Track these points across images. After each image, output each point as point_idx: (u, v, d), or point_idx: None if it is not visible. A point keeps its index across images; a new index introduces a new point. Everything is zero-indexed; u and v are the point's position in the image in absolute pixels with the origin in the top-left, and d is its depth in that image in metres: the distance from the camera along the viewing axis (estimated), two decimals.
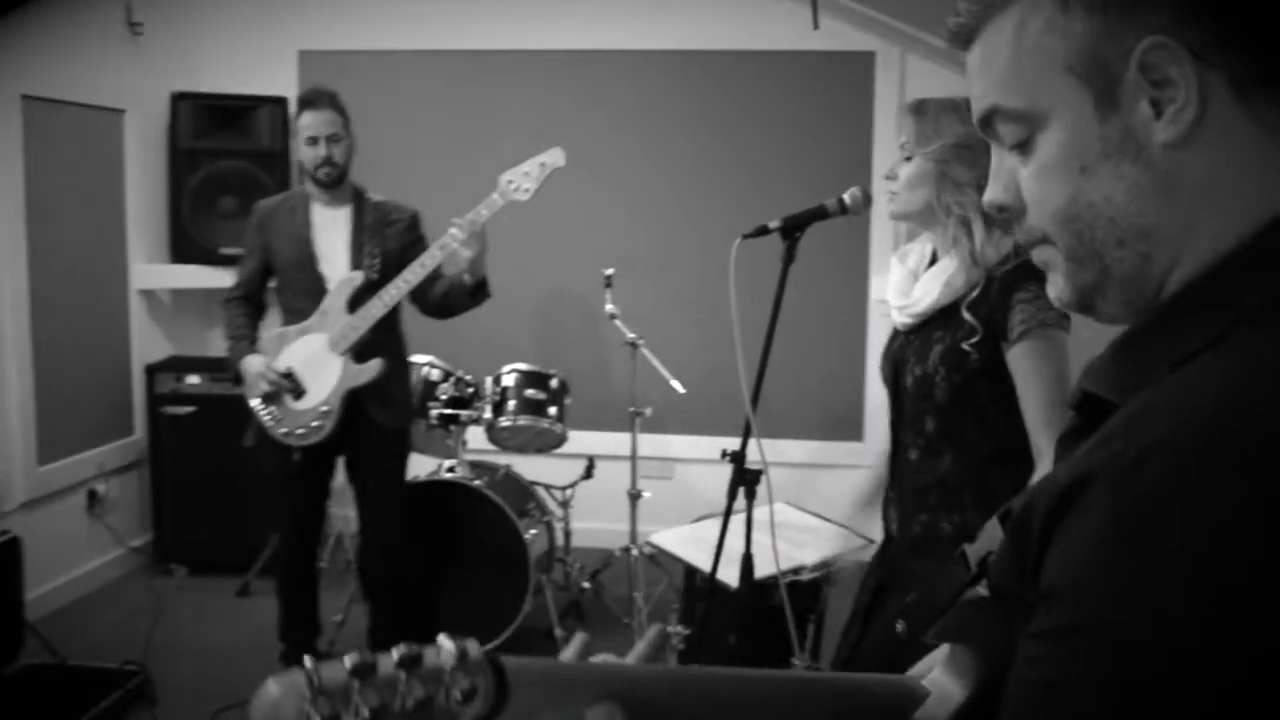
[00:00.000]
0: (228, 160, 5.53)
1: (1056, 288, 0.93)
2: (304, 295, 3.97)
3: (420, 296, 3.98)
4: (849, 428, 5.63)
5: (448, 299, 3.96)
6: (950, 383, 2.19)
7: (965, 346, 2.17)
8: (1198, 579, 0.68)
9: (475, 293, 3.91)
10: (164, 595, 5.03)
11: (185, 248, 5.56)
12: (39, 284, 4.80)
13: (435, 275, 3.90)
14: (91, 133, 5.25)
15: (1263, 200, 0.82)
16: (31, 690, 3.97)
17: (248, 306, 4.10)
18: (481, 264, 3.84)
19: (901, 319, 2.36)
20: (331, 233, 3.99)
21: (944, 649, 1.06)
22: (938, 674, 1.05)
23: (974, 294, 2.17)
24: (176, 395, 5.40)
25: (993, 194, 0.95)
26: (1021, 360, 2.09)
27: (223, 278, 5.55)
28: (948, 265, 2.23)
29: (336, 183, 3.96)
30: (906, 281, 2.36)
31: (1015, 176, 0.92)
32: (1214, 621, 0.68)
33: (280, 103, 5.60)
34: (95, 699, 3.84)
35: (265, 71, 5.84)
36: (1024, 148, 0.90)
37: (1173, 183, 0.84)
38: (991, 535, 0.99)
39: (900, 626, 1.11)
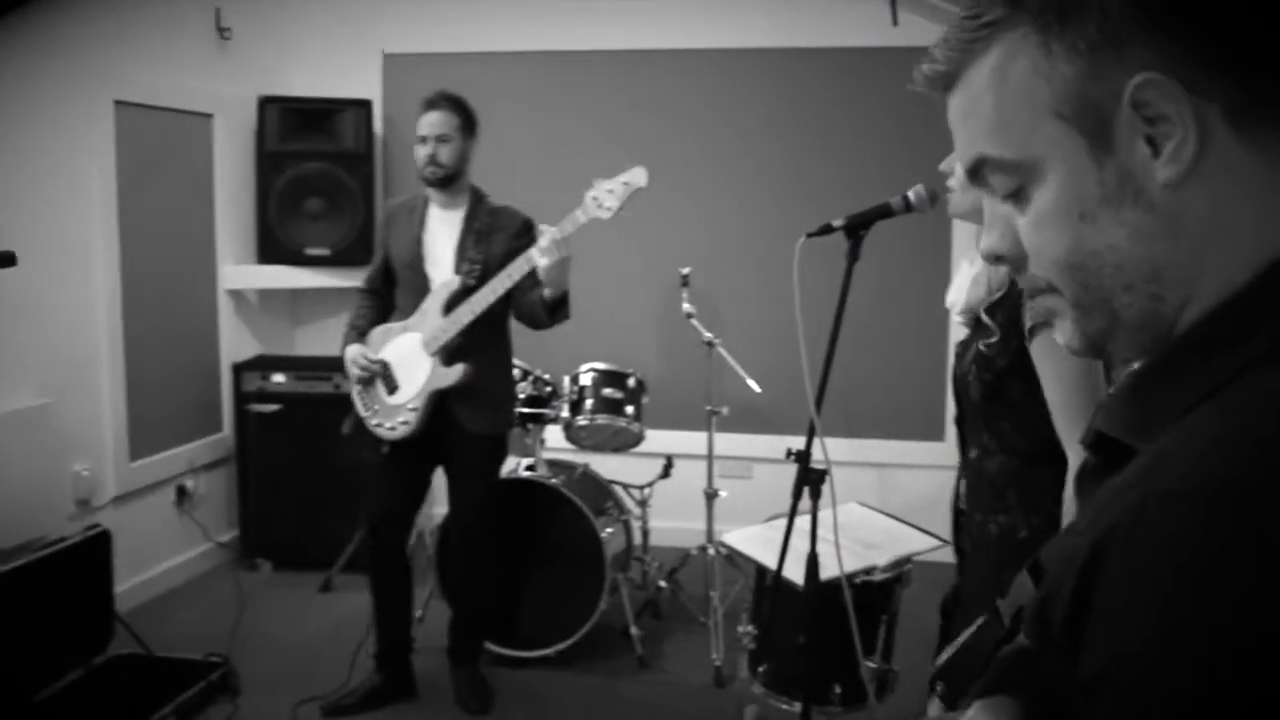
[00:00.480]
0: (313, 162, 5.62)
1: (1065, 335, 0.90)
2: (413, 294, 4.03)
3: (516, 303, 3.99)
4: (931, 428, 5.57)
5: (531, 311, 3.95)
6: (981, 382, 2.18)
7: (982, 347, 2.16)
8: (1211, 630, 0.66)
9: (554, 310, 3.89)
10: (249, 590, 5.13)
11: (272, 249, 5.67)
12: (131, 285, 4.93)
13: (532, 285, 3.90)
14: (181, 136, 5.37)
15: (1272, 231, 0.79)
16: (120, 679, 4.07)
17: (372, 300, 4.17)
18: (563, 278, 3.81)
19: (957, 319, 2.35)
20: (442, 235, 4.03)
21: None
22: (975, 713, 1.03)
23: (998, 296, 2.15)
24: (263, 394, 5.50)
25: (989, 243, 0.92)
26: (1038, 358, 2.06)
27: (308, 278, 5.69)
28: (981, 266, 2.21)
29: (443, 183, 3.99)
30: (985, 262, 2.35)
31: (1012, 224, 0.89)
32: (1242, 671, 0.65)
33: (365, 105, 5.70)
34: (180, 689, 3.94)
35: (350, 74, 5.94)
36: (1017, 197, 0.87)
37: (1177, 222, 0.80)
38: (1022, 589, 0.96)
39: (939, 687, 1.09)
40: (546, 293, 3.83)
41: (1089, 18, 0.79)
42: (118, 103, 4.83)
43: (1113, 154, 0.81)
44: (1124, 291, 0.83)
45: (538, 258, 3.75)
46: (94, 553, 4.10)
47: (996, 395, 2.18)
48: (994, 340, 2.15)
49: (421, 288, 4.01)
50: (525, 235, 4.04)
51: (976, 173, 0.89)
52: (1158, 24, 0.78)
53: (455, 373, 3.93)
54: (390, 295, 4.19)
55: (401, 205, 4.17)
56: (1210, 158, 0.78)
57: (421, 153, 3.96)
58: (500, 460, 4.22)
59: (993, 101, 0.85)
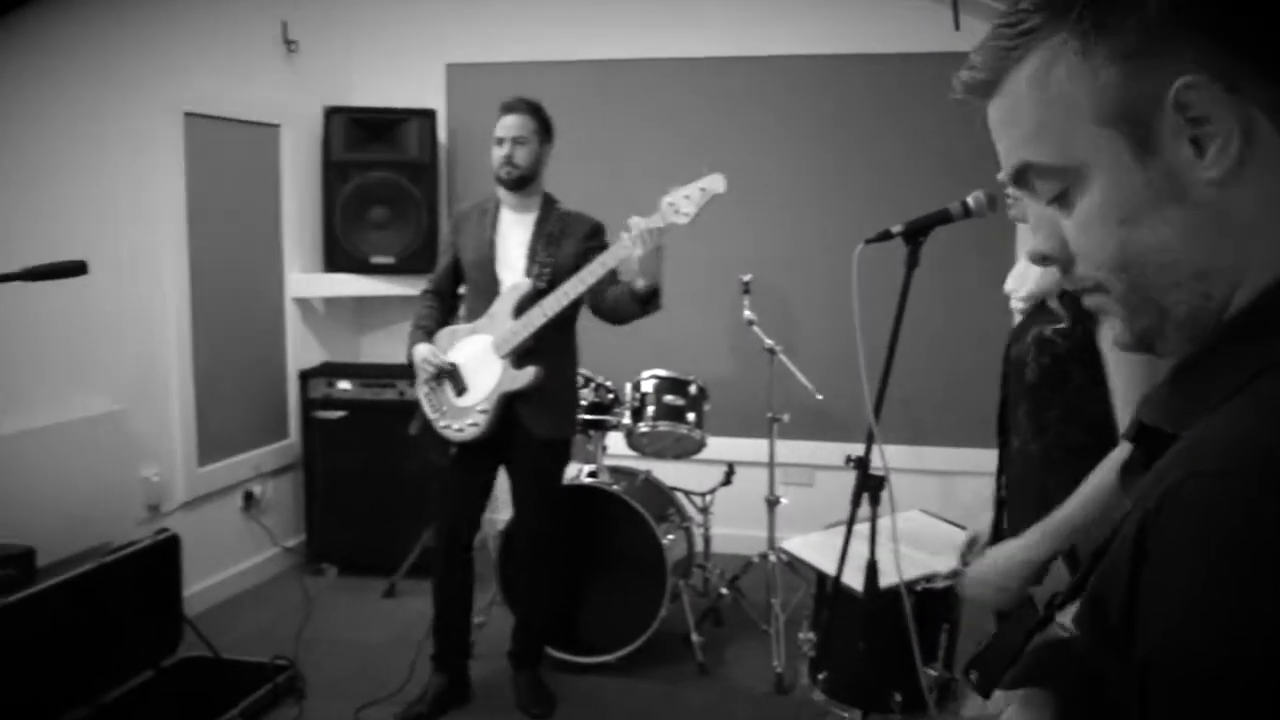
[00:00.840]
0: (378, 171, 5.69)
1: (1115, 331, 0.91)
2: (482, 296, 4.06)
3: (595, 301, 4.01)
4: (993, 435, 5.49)
5: (617, 305, 3.97)
6: (1039, 364, 2.17)
7: (1048, 332, 2.14)
8: (1248, 597, 0.68)
9: (646, 301, 3.88)
10: (315, 594, 5.20)
11: (337, 257, 5.74)
12: (199, 293, 5.01)
13: (612, 280, 3.92)
14: (249, 147, 5.46)
15: None
16: (188, 681, 4.14)
17: (437, 301, 4.19)
18: (656, 271, 3.82)
19: (1016, 305, 2.34)
20: (513, 238, 4.06)
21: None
22: (1013, 713, 1.03)
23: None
24: (329, 400, 5.57)
25: (1036, 246, 0.93)
26: (1105, 341, 2.04)
27: (373, 286, 5.75)
28: None
29: (518, 185, 4.01)
30: (1023, 270, 2.34)
31: (1058, 226, 0.90)
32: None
33: (429, 115, 5.75)
34: (247, 691, 4.00)
35: (414, 85, 6.00)
36: (1061, 200, 0.88)
37: (1223, 219, 0.81)
38: (1058, 576, 0.98)
39: (974, 676, 1.09)
40: (640, 284, 3.82)
41: (1128, 24, 0.81)
42: (187, 114, 4.92)
43: (1156, 155, 0.82)
44: (1172, 289, 0.84)
45: (632, 247, 3.74)
46: (163, 557, 4.17)
47: (1053, 380, 2.17)
48: (1062, 326, 2.13)
49: (491, 290, 4.03)
50: (595, 239, 4.08)
51: (1020, 178, 0.90)
52: (1198, 28, 0.79)
53: (527, 375, 3.95)
54: (454, 298, 4.23)
55: (473, 208, 4.19)
56: (1254, 156, 0.79)
57: (498, 154, 3.99)
58: (564, 465, 4.24)
59: (1032, 108, 0.86)
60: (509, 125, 3.99)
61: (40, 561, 3.75)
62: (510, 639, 4.29)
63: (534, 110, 4.03)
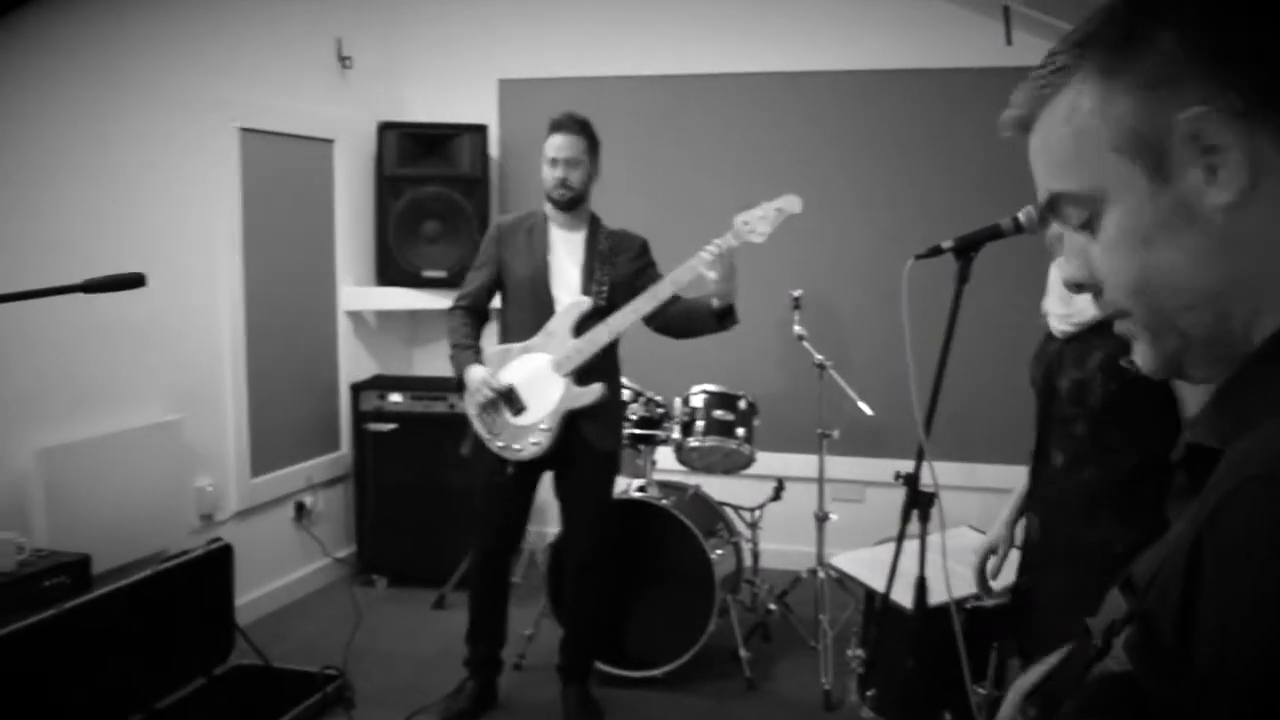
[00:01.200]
0: (430, 186, 5.75)
1: (1143, 357, 0.95)
2: (532, 313, 4.05)
3: (656, 317, 4.02)
4: None
5: (690, 321, 3.99)
6: (1106, 390, 2.16)
7: (1123, 361, 2.13)
8: None
9: (723, 317, 3.92)
10: (365, 604, 5.22)
11: (390, 271, 5.80)
12: (254, 305, 5.08)
13: (673, 300, 3.94)
14: (303, 162, 5.52)
15: None
16: (240, 689, 4.18)
17: (472, 317, 4.18)
18: (731, 289, 3.85)
19: (1062, 326, 2.32)
20: (566, 255, 4.07)
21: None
22: None
23: None
24: (380, 413, 5.61)
25: (1069, 272, 0.98)
26: None
27: (425, 300, 5.80)
28: None
29: (571, 205, 4.04)
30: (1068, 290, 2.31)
31: (1089, 253, 0.94)
32: None
33: (480, 130, 5.80)
34: (297, 700, 4.03)
35: (467, 100, 6.05)
36: (1089, 227, 0.93)
37: (1234, 242, 0.85)
38: (1114, 606, 0.98)
39: (1031, 713, 1.10)
40: (715, 303, 3.88)
41: (1145, 58, 0.86)
42: (243, 130, 4.99)
43: (1170, 182, 0.86)
44: (1186, 311, 0.89)
45: (706, 271, 3.78)
46: (216, 566, 4.21)
47: (1121, 404, 2.16)
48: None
49: (544, 307, 4.03)
50: (645, 256, 4.13)
51: (1052, 207, 0.95)
52: (1209, 62, 0.84)
53: (594, 392, 3.97)
54: (487, 311, 4.23)
55: (516, 223, 4.17)
56: (1264, 181, 0.83)
57: (551, 175, 4.00)
58: (615, 477, 4.25)
59: (1061, 139, 0.92)
60: (561, 146, 3.99)
61: (96, 569, 3.81)
62: (559, 652, 4.29)
63: (584, 128, 4.03)
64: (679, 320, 4.01)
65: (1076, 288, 0.98)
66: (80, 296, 2.41)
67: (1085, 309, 2.26)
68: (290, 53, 5.36)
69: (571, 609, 4.33)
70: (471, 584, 4.29)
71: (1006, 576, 2.92)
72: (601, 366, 4.01)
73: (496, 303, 4.20)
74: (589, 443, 4.03)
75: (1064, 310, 2.33)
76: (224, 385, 4.94)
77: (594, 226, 4.10)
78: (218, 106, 4.84)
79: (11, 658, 3.23)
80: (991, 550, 2.71)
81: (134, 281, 2.53)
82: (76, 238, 4.13)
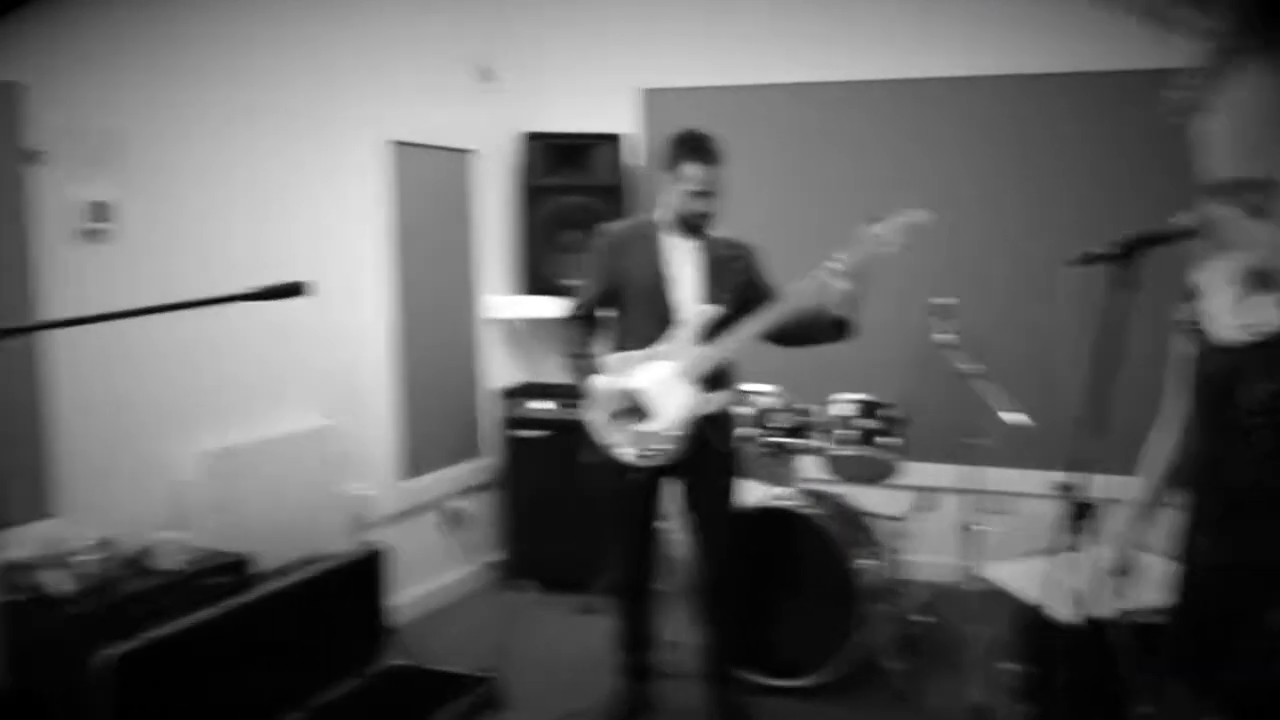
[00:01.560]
0: (571, 196, 5.84)
1: None
2: (651, 321, 4.04)
3: (781, 327, 4.00)
4: None
5: (807, 330, 3.97)
6: None
7: None
8: None
9: (843, 328, 3.92)
10: (515, 609, 5.30)
11: (533, 279, 5.88)
12: (403, 313, 5.21)
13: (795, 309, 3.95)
14: (448, 172, 5.66)
15: None
16: (392, 689, 4.25)
17: (588, 325, 4.21)
18: (857, 300, 3.84)
19: (1241, 335, 2.21)
20: (684, 264, 4.06)
21: None
22: None
23: None
24: (528, 419, 5.69)
25: (1251, 261, 0.93)
26: None
27: (567, 308, 5.85)
28: None
29: (700, 230, 4.07)
30: (1239, 296, 2.21)
31: (1261, 239, 0.89)
32: None
33: (615, 140, 5.88)
34: (449, 700, 4.10)
35: (607, 110, 6.10)
36: (1263, 211, 0.87)
37: None
38: None
39: None
40: (839, 313, 3.87)
41: None
42: (391, 142, 5.12)
43: None
44: None
45: (834, 282, 3.78)
46: (369, 569, 4.30)
47: None
48: None
49: (662, 315, 4.01)
50: (756, 262, 4.14)
51: (1224, 192, 0.90)
52: None
53: (722, 398, 3.99)
54: (600, 321, 4.21)
55: (630, 231, 4.17)
56: None
57: (689, 205, 3.97)
58: (738, 477, 4.24)
59: (1233, 125, 0.86)
60: (703, 179, 3.95)
61: (254, 569, 3.94)
62: (700, 659, 4.29)
63: (720, 155, 4.00)
64: (796, 330, 3.98)
65: (1260, 277, 0.93)
66: (241, 305, 2.49)
67: (1271, 317, 2.16)
68: (435, 67, 5.51)
69: (707, 613, 4.29)
70: (615, 592, 4.32)
71: (1142, 596, 2.84)
72: (721, 371, 4.02)
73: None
74: (713, 447, 4.03)
75: (1242, 319, 2.21)
76: (376, 392, 5.08)
77: (705, 234, 4.10)
78: (369, 122, 4.99)
79: (181, 652, 3.34)
80: (1121, 570, 2.62)
81: (294, 291, 2.60)
82: (239, 249, 4.31)
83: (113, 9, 3.92)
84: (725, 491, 4.18)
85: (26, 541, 3.51)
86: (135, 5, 4.00)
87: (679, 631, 4.63)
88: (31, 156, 3.65)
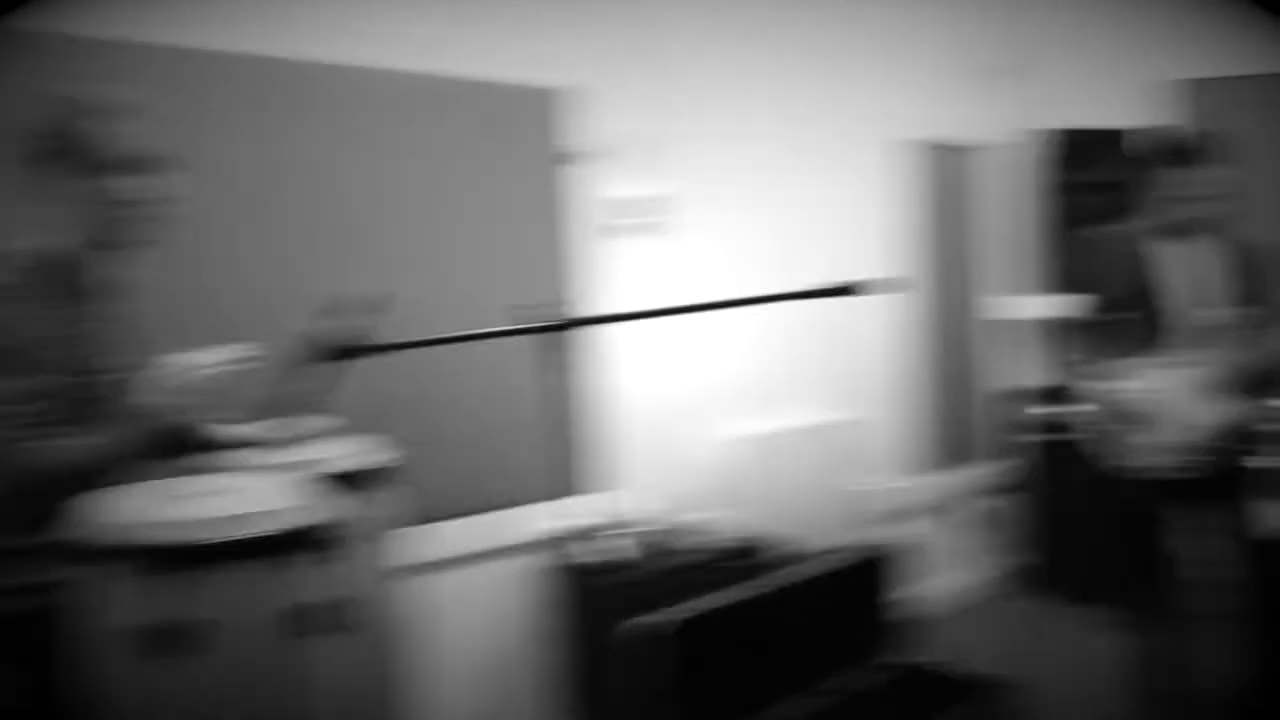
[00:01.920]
0: (1087, 194, 5.67)
1: None
2: (1144, 326, 3.88)
3: None
4: None
5: None
6: None
7: None
8: None
9: None
10: (1036, 618, 5.22)
11: (1053, 278, 5.76)
12: (927, 311, 5.40)
13: None
14: (959, 170, 5.73)
15: None
16: (898, 684, 4.24)
17: (1077, 330, 4.10)
18: None
19: None
20: (1179, 266, 3.86)
21: None
22: None
23: None
24: (1044, 423, 5.55)
25: None
26: None
27: (1080, 308, 5.71)
28: None
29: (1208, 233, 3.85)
30: None
31: None
32: None
33: (1128, 133, 5.62)
34: (957, 703, 4.06)
35: (1129, 103, 5.85)
36: None
37: None
38: None
39: None
40: None
41: None
42: (907, 142, 5.29)
43: None
44: None
45: None
46: (881, 565, 4.35)
47: None
48: None
49: (1155, 320, 3.84)
50: (1263, 264, 3.83)
51: None
52: None
53: (1243, 410, 3.76)
54: (1085, 325, 4.06)
55: (1119, 235, 4.00)
56: None
57: (1190, 206, 3.76)
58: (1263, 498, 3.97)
59: None
60: (1212, 182, 3.73)
61: (764, 556, 4.17)
62: (1243, 695, 4.06)
63: (1225, 156, 3.75)
64: None
65: None
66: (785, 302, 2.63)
67: None
68: (935, 69, 5.57)
69: (1257, 646, 4.05)
70: (1144, 610, 4.15)
71: None
72: (1244, 381, 3.76)
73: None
74: (1232, 463, 3.80)
75: None
76: (901, 389, 5.25)
77: (1214, 236, 3.83)
78: (880, 120, 5.19)
79: (728, 624, 3.59)
80: None
81: (844, 291, 2.72)
82: (767, 247, 4.63)
83: (663, 10, 4.33)
84: (1243, 511, 3.93)
85: (584, 512, 3.93)
86: (679, 8, 4.38)
87: (1220, 661, 4.33)
88: (576, 158, 4.03)
